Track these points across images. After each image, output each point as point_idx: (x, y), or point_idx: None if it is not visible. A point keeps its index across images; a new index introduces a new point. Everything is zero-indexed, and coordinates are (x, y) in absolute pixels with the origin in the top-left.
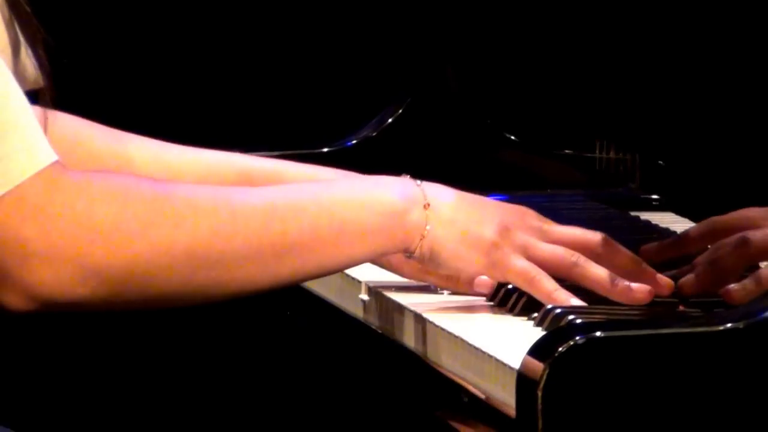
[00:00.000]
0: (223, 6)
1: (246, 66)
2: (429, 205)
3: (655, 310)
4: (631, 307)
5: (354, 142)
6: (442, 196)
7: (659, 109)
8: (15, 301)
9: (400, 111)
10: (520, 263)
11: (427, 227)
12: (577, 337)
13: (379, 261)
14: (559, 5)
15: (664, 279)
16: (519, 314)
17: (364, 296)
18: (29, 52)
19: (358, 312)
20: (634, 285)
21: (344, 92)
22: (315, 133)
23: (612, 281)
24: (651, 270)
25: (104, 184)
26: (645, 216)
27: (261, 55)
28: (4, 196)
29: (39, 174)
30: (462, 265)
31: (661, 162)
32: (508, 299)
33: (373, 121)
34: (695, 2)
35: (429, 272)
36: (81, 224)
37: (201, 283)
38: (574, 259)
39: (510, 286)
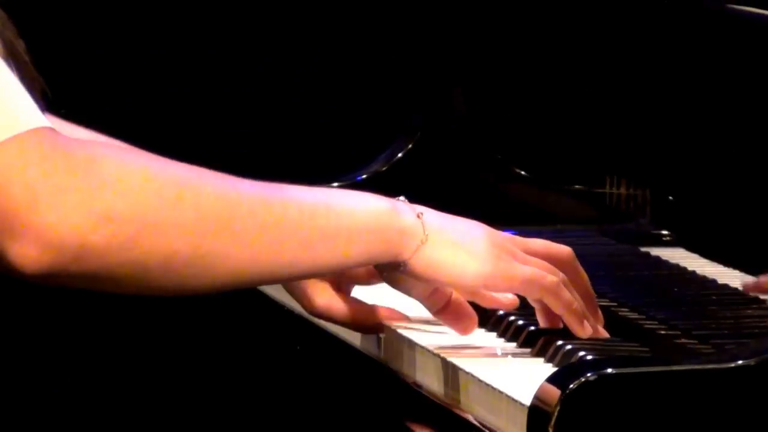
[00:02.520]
0: (233, 40)
1: (257, 99)
2: (422, 213)
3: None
4: (634, 342)
5: (363, 176)
6: (426, 209)
7: (670, 145)
8: (27, 252)
9: (410, 146)
10: (526, 269)
11: (426, 232)
12: (588, 374)
13: (389, 279)
14: (571, 42)
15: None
16: (536, 353)
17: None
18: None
19: (369, 348)
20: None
21: (355, 125)
22: (325, 166)
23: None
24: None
25: (102, 143)
26: (655, 252)
27: (273, 87)
28: (6, 141)
29: (39, 128)
30: (461, 273)
31: (671, 197)
32: (518, 337)
33: (383, 156)
34: (704, 42)
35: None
36: (87, 169)
37: (208, 250)
38: (561, 274)
39: (521, 322)
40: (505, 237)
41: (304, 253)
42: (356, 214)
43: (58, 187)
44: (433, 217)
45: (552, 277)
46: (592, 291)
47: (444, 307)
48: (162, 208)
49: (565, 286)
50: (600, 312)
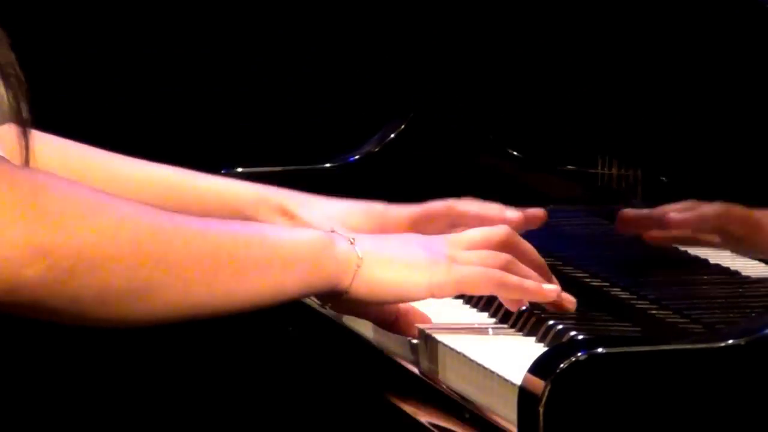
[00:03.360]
0: (226, 18)
1: (250, 80)
2: (355, 240)
3: (656, 323)
4: (625, 322)
5: (356, 157)
6: (359, 235)
7: (662, 125)
8: None
9: (403, 126)
10: (468, 269)
11: (360, 256)
12: (579, 353)
13: (337, 308)
14: (561, 21)
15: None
16: (527, 333)
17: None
18: (8, 91)
19: (358, 327)
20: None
21: (347, 106)
22: (318, 147)
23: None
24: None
25: (49, 175)
26: None
27: (265, 69)
28: None
29: None
30: (406, 288)
31: (663, 178)
32: (509, 317)
33: (376, 137)
34: (697, 21)
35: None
36: (28, 202)
37: (145, 282)
38: (504, 256)
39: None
40: (440, 240)
41: (239, 284)
42: (290, 244)
43: None
44: (365, 240)
45: (493, 271)
46: (540, 259)
47: (395, 321)
48: (98, 243)
49: (512, 264)
50: (553, 276)
